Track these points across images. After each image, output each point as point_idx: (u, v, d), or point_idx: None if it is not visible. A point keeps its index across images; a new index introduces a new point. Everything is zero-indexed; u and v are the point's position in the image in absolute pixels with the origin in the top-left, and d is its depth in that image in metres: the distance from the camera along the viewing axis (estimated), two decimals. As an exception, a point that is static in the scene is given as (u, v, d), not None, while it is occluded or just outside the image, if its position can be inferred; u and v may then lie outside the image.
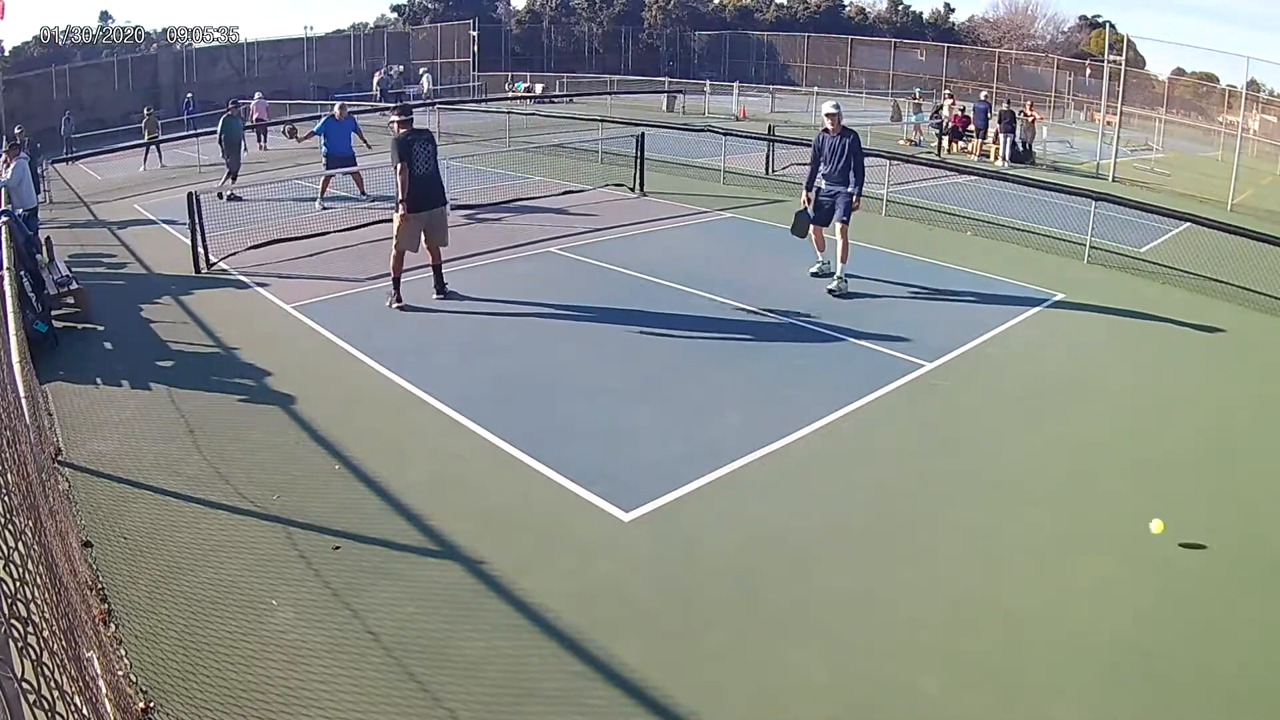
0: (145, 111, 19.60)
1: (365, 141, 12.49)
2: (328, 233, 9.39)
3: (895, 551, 3.85)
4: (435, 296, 7.24)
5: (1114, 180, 15.70)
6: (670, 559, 3.75)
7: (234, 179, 12.79)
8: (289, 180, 12.27)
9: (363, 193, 11.71)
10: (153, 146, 18.06)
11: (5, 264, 5.97)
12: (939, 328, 6.80)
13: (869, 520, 4.10)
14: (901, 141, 19.90)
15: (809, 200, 7.90)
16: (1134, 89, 23.38)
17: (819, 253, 8.15)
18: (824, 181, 7.81)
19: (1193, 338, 6.91)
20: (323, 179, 11.58)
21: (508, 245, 9.28)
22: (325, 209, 10.98)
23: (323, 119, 11.84)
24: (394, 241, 7.03)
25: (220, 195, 11.43)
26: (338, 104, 12.44)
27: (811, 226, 7.98)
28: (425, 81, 32.04)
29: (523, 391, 5.51)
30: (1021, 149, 17.75)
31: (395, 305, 7.03)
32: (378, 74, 32.37)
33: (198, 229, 8.46)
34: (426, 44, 37.36)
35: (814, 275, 8.10)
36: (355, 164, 11.75)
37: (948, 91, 21.62)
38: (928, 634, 3.28)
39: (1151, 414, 5.42)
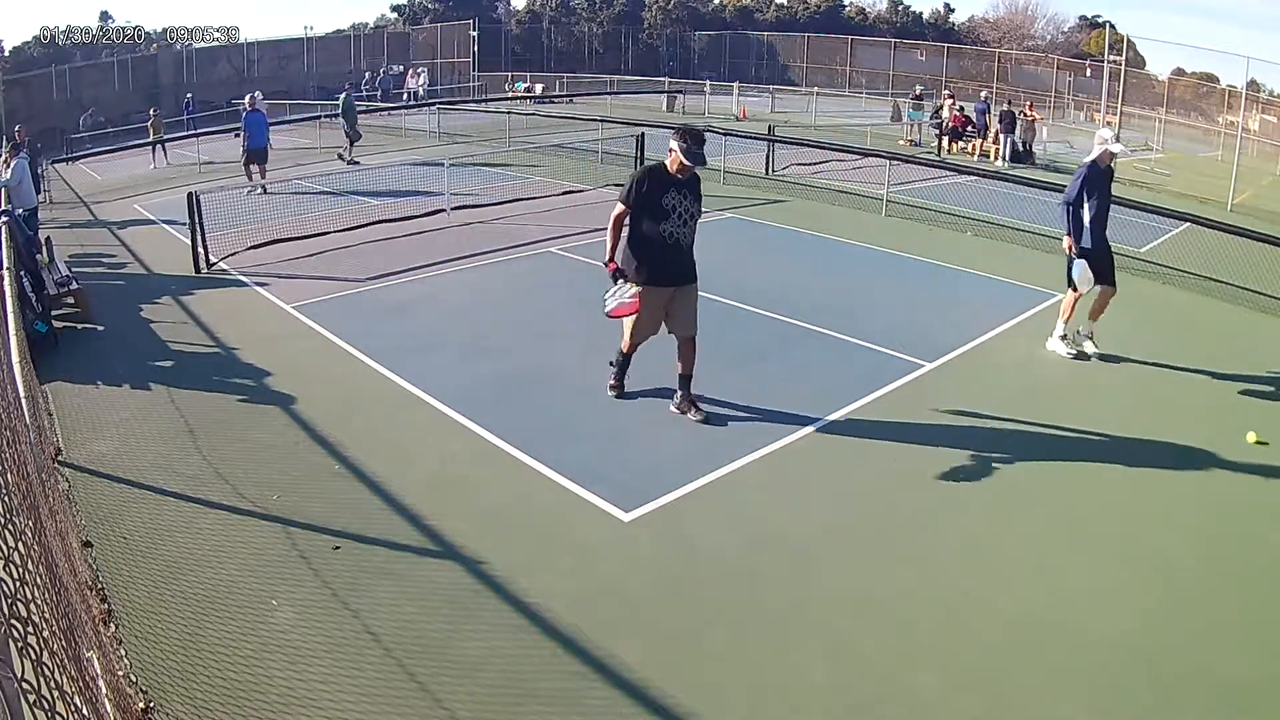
0: (152, 112, 20.04)
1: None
2: (328, 233, 9.39)
3: (895, 552, 3.84)
4: (673, 408, 5.15)
5: (1114, 180, 15.67)
6: (670, 559, 3.75)
7: (352, 147, 16.03)
8: (289, 180, 12.29)
9: (255, 182, 12.84)
10: (158, 145, 18.23)
11: (5, 264, 5.98)
12: (939, 328, 6.80)
13: (869, 520, 4.10)
14: (901, 142, 19.90)
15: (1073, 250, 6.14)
16: (1134, 89, 23.41)
17: (1092, 321, 6.29)
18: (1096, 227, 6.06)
19: (1193, 338, 6.90)
20: (256, 167, 13.12)
21: (508, 245, 9.28)
22: (267, 193, 11.99)
23: (243, 116, 13.26)
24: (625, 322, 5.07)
25: (343, 159, 15.53)
26: (248, 96, 13.92)
27: (1099, 288, 6.12)
28: (421, 80, 32.04)
29: (523, 391, 5.51)
30: (1021, 149, 17.75)
31: (611, 391, 5.34)
32: (381, 72, 32.43)
33: (198, 229, 8.47)
34: (426, 44, 37.35)
35: (1076, 357, 6.25)
36: (267, 157, 13.40)
37: (947, 92, 21.62)
38: (927, 634, 3.28)
39: (1151, 414, 5.41)
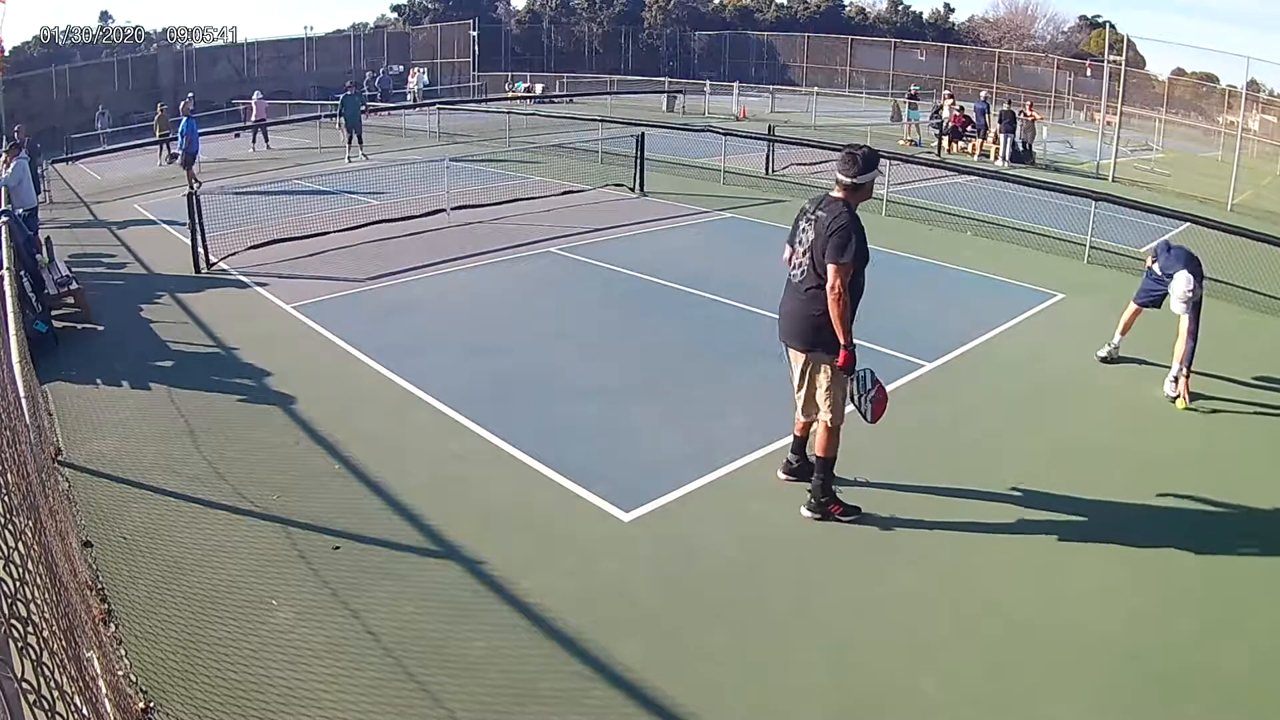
0: (159, 108, 20.35)
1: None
2: (328, 233, 9.39)
3: (895, 552, 3.84)
4: (783, 476, 4.34)
5: (1114, 180, 15.70)
6: (670, 559, 3.75)
7: (360, 144, 16.91)
8: (289, 180, 12.29)
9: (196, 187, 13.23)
10: (164, 142, 18.27)
11: (5, 264, 5.97)
12: (939, 328, 6.80)
13: (868, 520, 4.08)
14: (901, 141, 19.90)
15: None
16: (1134, 89, 23.38)
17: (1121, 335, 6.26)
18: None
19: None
20: (189, 169, 13.76)
21: (508, 245, 9.28)
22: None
23: (182, 122, 14.13)
24: (830, 411, 3.98)
25: (349, 159, 16.15)
26: (182, 103, 14.96)
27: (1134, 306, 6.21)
28: (419, 79, 32.01)
29: (523, 391, 5.51)
30: (1021, 149, 17.75)
31: (845, 515, 4.01)
32: (381, 72, 32.43)
33: (198, 229, 8.47)
34: (426, 44, 37.34)
35: (1103, 360, 6.23)
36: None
37: (947, 92, 21.61)
38: (928, 635, 3.28)
39: (1152, 414, 5.42)
